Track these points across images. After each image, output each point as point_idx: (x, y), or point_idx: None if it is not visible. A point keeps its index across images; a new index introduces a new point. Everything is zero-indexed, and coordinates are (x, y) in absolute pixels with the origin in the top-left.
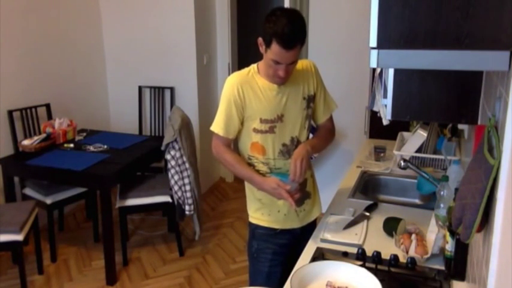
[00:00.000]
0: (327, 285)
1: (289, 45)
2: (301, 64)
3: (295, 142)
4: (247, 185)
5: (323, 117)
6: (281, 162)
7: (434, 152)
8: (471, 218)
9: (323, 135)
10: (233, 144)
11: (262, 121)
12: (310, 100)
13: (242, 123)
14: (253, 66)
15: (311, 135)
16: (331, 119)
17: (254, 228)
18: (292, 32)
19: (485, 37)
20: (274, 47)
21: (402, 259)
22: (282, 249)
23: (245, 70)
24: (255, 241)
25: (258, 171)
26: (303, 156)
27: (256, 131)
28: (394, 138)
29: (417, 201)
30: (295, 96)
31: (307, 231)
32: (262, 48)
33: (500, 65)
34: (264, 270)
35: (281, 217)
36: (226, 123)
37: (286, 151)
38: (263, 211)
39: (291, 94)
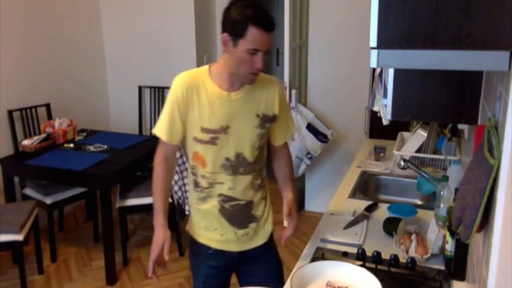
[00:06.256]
0: (327, 285)
1: (269, 26)
2: (266, 80)
3: (240, 159)
4: (190, 194)
5: (282, 140)
6: (223, 177)
7: (434, 152)
8: (471, 218)
9: (289, 165)
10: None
11: (203, 130)
12: (267, 120)
13: (185, 130)
14: (205, 67)
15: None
16: (287, 143)
17: (191, 242)
18: (267, 12)
19: (485, 37)
20: (252, 32)
21: (402, 259)
22: (215, 271)
23: (194, 71)
24: (191, 255)
25: (197, 183)
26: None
27: (196, 140)
28: (394, 138)
29: (417, 201)
30: (246, 110)
31: (247, 257)
32: (228, 46)
33: (500, 65)
34: (199, 286)
35: (217, 236)
36: (169, 127)
37: (230, 166)
38: (200, 225)
39: (242, 107)
